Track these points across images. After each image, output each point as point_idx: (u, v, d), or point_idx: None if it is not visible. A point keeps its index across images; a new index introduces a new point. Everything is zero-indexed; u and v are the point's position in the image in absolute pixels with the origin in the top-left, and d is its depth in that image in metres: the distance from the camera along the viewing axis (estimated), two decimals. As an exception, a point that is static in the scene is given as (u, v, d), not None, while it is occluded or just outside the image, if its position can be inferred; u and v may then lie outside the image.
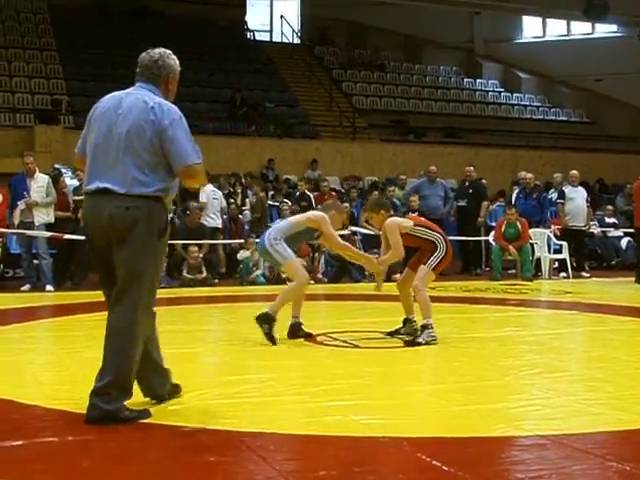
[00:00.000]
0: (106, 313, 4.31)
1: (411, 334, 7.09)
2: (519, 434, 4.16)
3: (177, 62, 4.57)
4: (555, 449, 3.86)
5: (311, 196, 15.45)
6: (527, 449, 3.90)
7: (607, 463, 3.63)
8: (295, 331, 7.07)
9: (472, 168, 15.38)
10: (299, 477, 3.48)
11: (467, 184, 15.27)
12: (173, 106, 4.38)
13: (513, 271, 14.35)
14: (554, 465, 3.60)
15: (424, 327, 6.91)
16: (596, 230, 16.63)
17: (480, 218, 14.97)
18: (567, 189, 14.92)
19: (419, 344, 6.78)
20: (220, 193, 14.44)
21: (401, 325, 7.30)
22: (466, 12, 29.25)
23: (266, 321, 6.77)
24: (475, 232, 15.00)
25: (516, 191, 15.67)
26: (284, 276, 13.05)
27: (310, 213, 7.39)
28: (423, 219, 7.57)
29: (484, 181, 15.97)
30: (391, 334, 7.22)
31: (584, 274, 14.58)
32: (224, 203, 14.35)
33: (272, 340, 6.72)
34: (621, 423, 4.33)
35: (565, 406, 4.71)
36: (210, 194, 13.98)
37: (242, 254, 13.32)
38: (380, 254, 7.40)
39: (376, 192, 15.02)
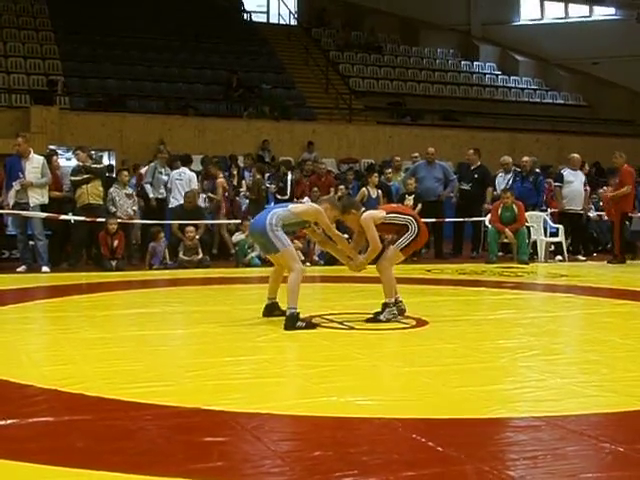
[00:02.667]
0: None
1: (399, 313, 7.20)
2: (514, 415, 4.17)
3: None
4: (549, 430, 3.87)
5: (289, 178, 15.32)
6: (522, 430, 3.92)
7: (600, 444, 3.65)
8: (271, 310, 7.24)
9: (471, 152, 15.29)
10: (294, 457, 3.49)
11: (472, 168, 15.14)
12: None
13: (509, 254, 14.36)
14: (548, 446, 3.61)
15: (385, 305, 7.06)
16: (592, 214, 16.63)
17: (487, 204, 14.91)
18: (566, 172, 14.89)
19: (380, 321, 6.95)
20: (190, 175, 13.97)
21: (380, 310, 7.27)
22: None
23: (295, 320, 6.74)
24: (479, 216, 14.99)
25: (499, 174, 15.49)
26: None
27: (308, 206, 7.37)
28: (394, 205, 7.71)
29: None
30: (370, 320, 7.13)
31: (580, 257, 14.60)
32: (195, 185, 13.87)
33: (312, 326, 6.76)
34: (615, 405, 4.35)
35: (560, 388, 4.72)
36: (174, 175, 13.89)
37: (237, 236, 13.32)
38: (353, 245, 7.43)
39: (375, 174, 14.92)
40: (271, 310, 7.27)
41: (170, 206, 13.79)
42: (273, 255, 7.11)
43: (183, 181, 13.80)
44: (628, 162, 14.22)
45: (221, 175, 14.72)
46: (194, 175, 14.12)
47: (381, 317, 7.03)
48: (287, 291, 6.85)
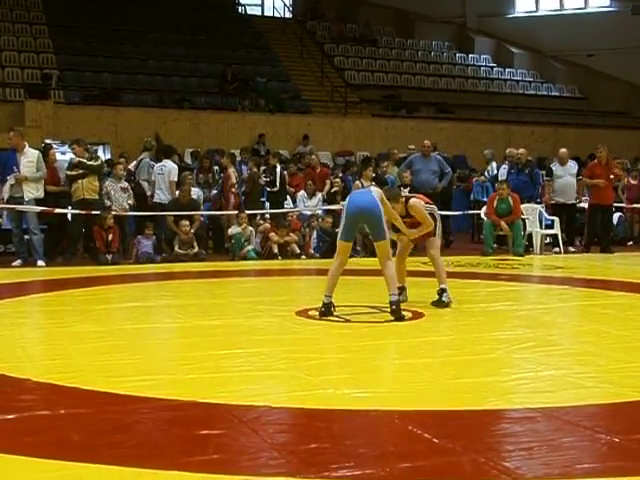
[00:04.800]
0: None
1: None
2: (510, 407, 4.18)
3: None
4: (545, 422, 3.88)
5: (278, 171, 15.12)
6: (517, 422, 3.92)
7: (596, 435, 3.65)
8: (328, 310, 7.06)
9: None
10: (291, 449, 3.49)
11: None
12: None
13: (505, 246, 14.37)
14: (544, 437, 3.62)
15: (443, 290, 7.58)
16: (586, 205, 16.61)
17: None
18: (555, 167, 14.92)
19: (444, 303, 7.49)
20: (170, 167, 13.60)
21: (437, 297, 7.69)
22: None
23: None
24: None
25: (503, 167, 15.54)
26: (276, 251, 13.09)
27: (376, 189, 7.62)
28: (420, 195, 8.22)
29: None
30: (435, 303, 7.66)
31: (570, 248, 14.60)
32: (174, 177, 13.48)
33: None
34: (611, 396, 4.36)
35: (555, 379, 4.73)
36: (156, 169, 13.60)
37: (233, 229, 13.29)
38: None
39: (371, 167, 14.87)
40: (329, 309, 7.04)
41: (155, 200, 13.47)
42: (382, 241, 7.08)
43: (164, 175, 13.50)
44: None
45: (232, 167, 14.55)
46: (175, 167, 13.74)
47: (444, 299, 7.53)
48: (389, 280, 6.94)
